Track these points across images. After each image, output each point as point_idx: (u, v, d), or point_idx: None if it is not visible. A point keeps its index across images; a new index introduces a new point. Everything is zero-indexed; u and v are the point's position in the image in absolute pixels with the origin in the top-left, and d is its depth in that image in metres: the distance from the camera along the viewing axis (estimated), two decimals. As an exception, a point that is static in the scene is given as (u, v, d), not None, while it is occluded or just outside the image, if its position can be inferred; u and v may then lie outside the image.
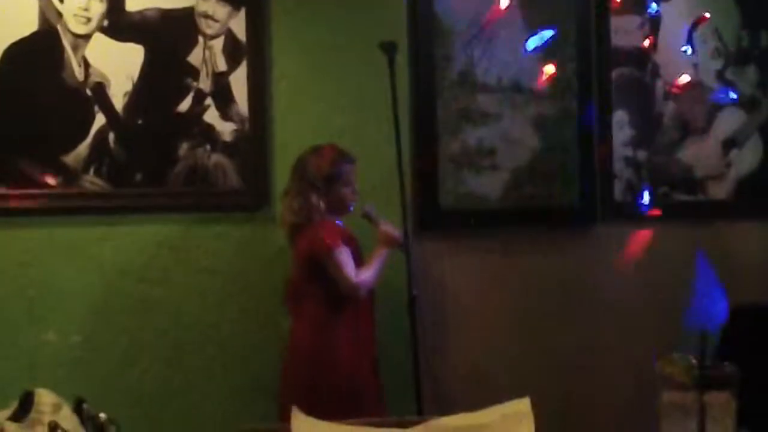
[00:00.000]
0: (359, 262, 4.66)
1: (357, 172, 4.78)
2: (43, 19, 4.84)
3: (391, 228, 4.80)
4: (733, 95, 5.96)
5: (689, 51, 5.94)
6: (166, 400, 5.04)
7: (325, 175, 4.67)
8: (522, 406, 2.23)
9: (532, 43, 5.58)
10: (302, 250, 4.66)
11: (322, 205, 4.66)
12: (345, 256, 4.58)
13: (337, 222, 4.73)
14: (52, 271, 4.91)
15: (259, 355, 5.14)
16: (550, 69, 5.62)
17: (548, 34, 5.62)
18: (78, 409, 2.40)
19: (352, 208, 4.79)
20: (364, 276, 4.62)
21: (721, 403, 1.98)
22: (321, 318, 4.64)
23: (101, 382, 4.87)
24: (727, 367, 2.05)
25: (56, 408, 2.33)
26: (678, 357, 2.20)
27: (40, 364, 4.85)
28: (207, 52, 5.06)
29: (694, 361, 2.08)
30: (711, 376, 2.02)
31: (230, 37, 5.11)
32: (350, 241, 4.68)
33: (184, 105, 5.04)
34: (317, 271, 4.60)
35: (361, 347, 4.69)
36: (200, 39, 5.06)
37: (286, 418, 2.36)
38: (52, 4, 4.84)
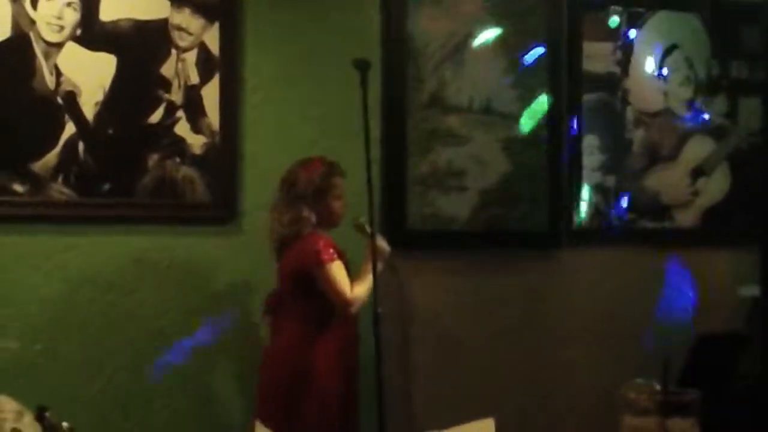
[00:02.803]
0: (348, 277, 4.64)
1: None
2: (16, 27, 4.81)
3: (382, 242, 4.79)
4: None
5: (660, 78, 5.99)
6: (129, 411, 5.02)
7: (315, 188, 4.65)
8: (486, 426, 2.24)
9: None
10: (292, 264, 4.61)
11: (312, 218, 4.64)
12: (341, 271, 4.57)
13: (326, 236, 4.69)
14: (16, 279, 4.88)
15: (223, 368, 5.14)
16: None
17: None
18: (40, 417, 2.39)
19: (341, 221, 4.78)
20: (357, 291, 4.59)
21: (684, 429, 1.99)
22: (303, 333, 4.60)
23: (62, 391, 4.84)
24: (690, 393, 2.06)
25: (19, 415, 2.32)
26: (641, 382, 2.20)
27: (1, 372, 4.82)
28: (180, 65, 5.05)
29: (657, 386, 2.09)
30: (674, 401, 2.02)
31: (203, 50, 5.10)
32: (341, 256, 4.65)
33: (155, 116, 5.03)
34: (305, 285, 4.58)
35: (342, 363, 4.66)
36: (173, 51, 5.05)
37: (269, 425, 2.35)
38: (25, 11, 4.82)
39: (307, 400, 4.52)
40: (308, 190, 4.64)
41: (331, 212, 4.71)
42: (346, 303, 4.55)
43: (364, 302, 4.63)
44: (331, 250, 4.57)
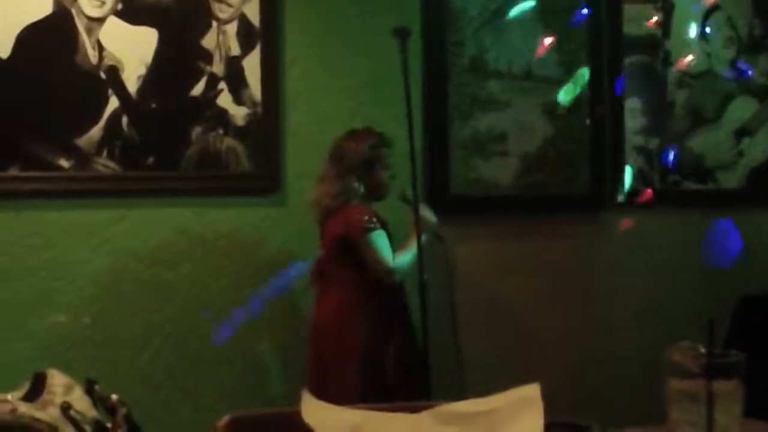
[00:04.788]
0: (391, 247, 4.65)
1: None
2: (58, 2, 4.84)
3: (429, 213, 4.81)
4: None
5: (701, 39, 5.94)
6: (177, 383, 5.06)
7: (363, 159, 4.68)
8: (531, 391, 2.23)
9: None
10: (336, 232, 4.64)
11: (361, 189, 4.67)
12: (382, 239, 4.59)
13: (370, 208, 4.72)
14: (64, 254, 4.93)
15: (270, 339, 5.17)
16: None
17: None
18: (89, 390, 2.41)
19: (388, 192, 4.81)
20: (399, 261, 4.62)
21: (729, 392, 1.99)
22: (347, 301, 4.65)
23: (111, 364, 4.89)
24: (735, 356, 2.06)
25: (68, 389, 2.34)
26: (686, 345, 2.20)
27: (50, 346, 4.87)
28: (220, 36, 5.07)
29: (702, 349, 2.08)
30: (719, 364, 2.02)
31: (244, 21, 5.11)
32: (384, 227, 4.68)
33: (198, 89, 5.05)
34: (348, 253, 4.61)
35: (388, 330, 4.70)
36: (214, 23, 5.07)
37: (314, 394, 2.36)
38: (66, -13, 4.86)
39: (352, 366, 4.56)
40: (357, 162, 4.67)
41: (378, 183, 4.74)
42: (386, 272, 4.58)
43: (406, 272, 4.65)
44: (375, 219, 4.60)
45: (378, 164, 4.73)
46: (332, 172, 4.72)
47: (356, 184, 4.67)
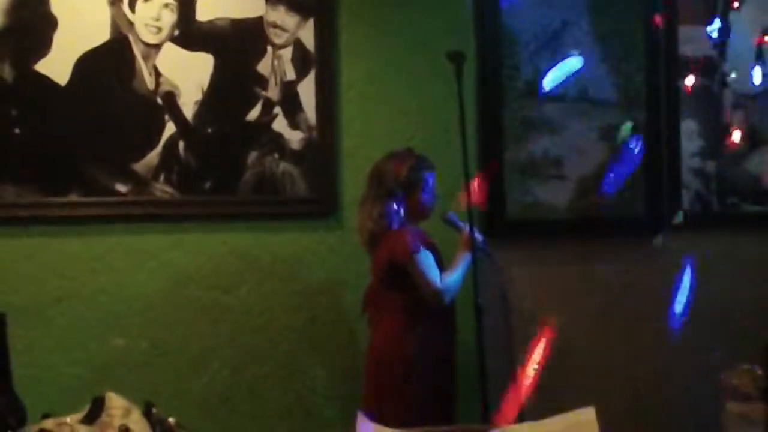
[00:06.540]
0: (440, 268, 4.63)
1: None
2: (115, 29, 4.90)
3: (474, 232, 4.79)
4: None
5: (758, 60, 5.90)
6: (234, 406, 5.08)
7: (403, 182, 4.65)
8: (587, 415, 2.23)
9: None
10: (383, 257, 4.62)
11: (401, 211, 4.66)
12: (429, 261, 4.56)
13: (417, 228, 4.71)
14: (123, 278, 4.97)
15: (326, 362, 5.18)
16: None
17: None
18: (148, 413, 2.44)
19: (431, 214, 4.79)
20: (448, 281, 4.59)
21: (788, 415, 1.97)
22: (400, 325, 4.62)
23: (169, 388, 4.92)
24: (794, 379, 2.04)
25: (126, 412, 2.36)
26: (744, 368, 2.18)
27: (109, 369, 4.91)
28: (276, 62, 5.10)
29: (760, 372, 2.07)
30: (778, 387, 2.00)
31: (299, 46, 5.14)
32: (431, 247, 4.65)
33: (253, 114, 5.08)
34: (398, 277, 4.58)
35: (439, 355, 4.68)
36: (269, 48, 5.10)
37: (370, 418, 2.36)
38: (123, 14, 4.90)
39: (405, 391, 4.54)
40: (396, 185, 4.65)
41: (420, 205, 4.72)
42: (435, 293, 4.55)
43: (456, 292, 4.64)
44: (419, 241, 4.58)
45: (418, 186, 4.70)
46: (372, 195, 4.70)
47: (396, 207, 4.65)
